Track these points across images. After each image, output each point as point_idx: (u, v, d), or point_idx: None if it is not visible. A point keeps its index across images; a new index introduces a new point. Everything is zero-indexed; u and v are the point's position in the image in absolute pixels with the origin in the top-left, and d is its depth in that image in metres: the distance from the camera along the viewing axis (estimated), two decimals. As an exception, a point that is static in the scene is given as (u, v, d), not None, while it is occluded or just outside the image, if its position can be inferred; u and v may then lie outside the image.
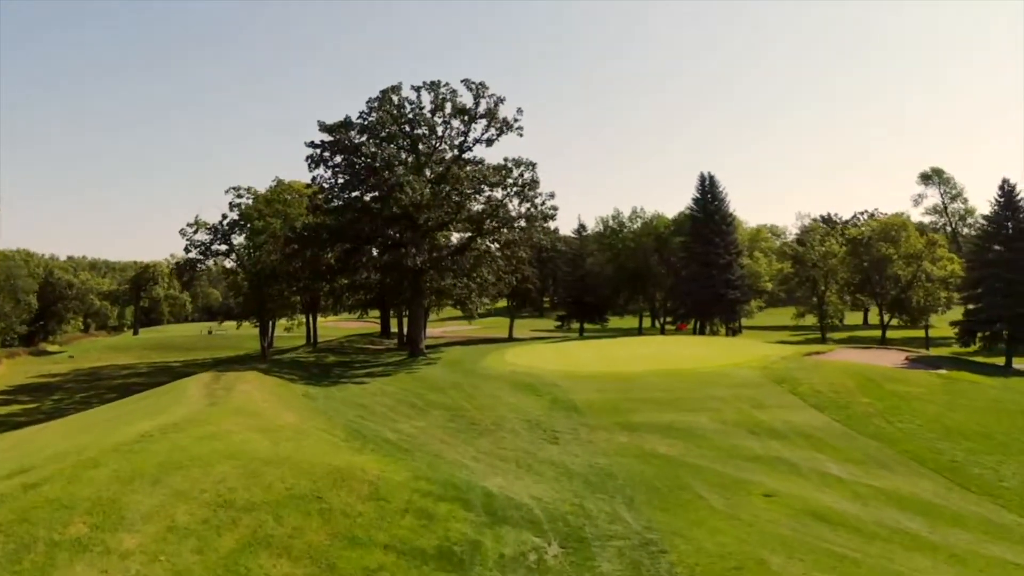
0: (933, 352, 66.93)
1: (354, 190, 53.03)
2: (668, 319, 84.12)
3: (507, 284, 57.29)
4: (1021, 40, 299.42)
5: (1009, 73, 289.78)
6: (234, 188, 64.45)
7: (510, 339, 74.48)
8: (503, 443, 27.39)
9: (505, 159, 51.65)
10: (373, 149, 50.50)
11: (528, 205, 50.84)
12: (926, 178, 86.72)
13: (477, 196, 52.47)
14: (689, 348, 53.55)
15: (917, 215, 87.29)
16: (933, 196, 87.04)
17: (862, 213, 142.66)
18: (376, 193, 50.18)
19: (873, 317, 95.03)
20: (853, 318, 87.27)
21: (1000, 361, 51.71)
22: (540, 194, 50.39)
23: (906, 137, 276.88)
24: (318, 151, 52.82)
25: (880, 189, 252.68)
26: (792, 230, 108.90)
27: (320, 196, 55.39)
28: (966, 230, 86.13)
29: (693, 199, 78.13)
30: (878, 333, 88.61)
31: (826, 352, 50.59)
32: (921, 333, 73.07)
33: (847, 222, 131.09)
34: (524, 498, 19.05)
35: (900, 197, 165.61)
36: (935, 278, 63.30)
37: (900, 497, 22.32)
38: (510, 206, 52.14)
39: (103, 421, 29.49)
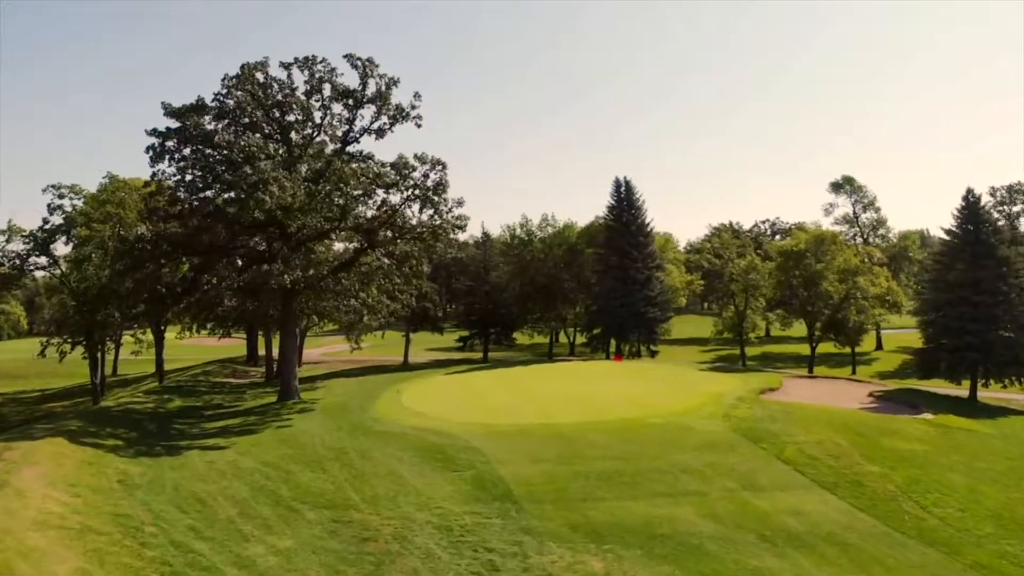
0: (864, 373, 62.75)
1: (206, 189, 41.33)
2: (583, 339, 76.25)
3: (404, 304, 47.29)
4: (938, 48, 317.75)
5: (923, 82, 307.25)
6: (53, 186, 51.21)
7: (405, 365, 64.15)
8: (415, 588, 17.74)
9: (400, 155, 41.53)
10: (230, 138, 39.25)
11: (432, 212, 40.94)
12: (837, 187, 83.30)
13: (367, 199, 42.08)
14: (621, 382, 45.65)
15: (827, 224, 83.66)
16: (844, 205, 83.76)
17: (764, 222, 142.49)
18: (233, 193, 38.85)
19: (776, 330, 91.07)
20: (756, 330, 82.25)
21: (959, 389, 47.07)
22: (447, 200, 40.59)
23: (807, 147, 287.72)
24: (160, 141, 40.79)
25: (780, 198, 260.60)
26: (698, 240, 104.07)
27: (162, 197, 43.24)
28: (878, 240, 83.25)
29: (608, 207, 70.41)
30: (790, 348, 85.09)
31: (778, 388, 43.92)
32: (843, 349, 68.66)
33: (749, 231, 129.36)
34: None
35: (805, 207, 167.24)
36: (870, 296, 58.49)
37: None
38: (409, 213, 42.18)
39: None
